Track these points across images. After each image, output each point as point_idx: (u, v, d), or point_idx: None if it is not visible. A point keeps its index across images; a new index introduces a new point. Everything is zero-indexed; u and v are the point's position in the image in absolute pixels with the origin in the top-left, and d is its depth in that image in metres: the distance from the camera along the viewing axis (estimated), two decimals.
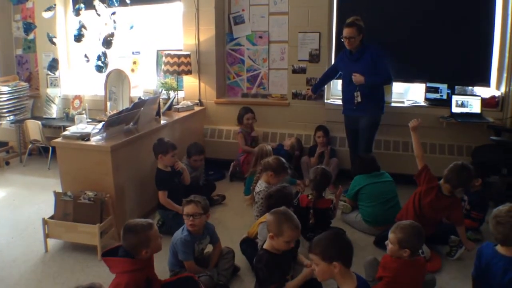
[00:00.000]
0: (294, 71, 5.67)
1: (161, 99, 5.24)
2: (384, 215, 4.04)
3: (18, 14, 6.72)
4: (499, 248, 2.70)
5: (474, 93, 5.30)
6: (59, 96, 6.53)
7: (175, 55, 5.48)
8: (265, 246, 3.00)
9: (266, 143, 5.32)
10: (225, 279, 3.33)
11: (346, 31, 4.64)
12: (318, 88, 5.40)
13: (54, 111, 6.48)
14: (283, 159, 4.28)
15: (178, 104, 5.57)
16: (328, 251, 2.37)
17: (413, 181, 3.88)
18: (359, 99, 4.76)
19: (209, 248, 3.55)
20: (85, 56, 5.83)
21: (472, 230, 4.02)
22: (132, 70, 6.27)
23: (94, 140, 4.08)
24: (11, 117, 6.23)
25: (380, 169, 4.38)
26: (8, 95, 6.14)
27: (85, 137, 4.09)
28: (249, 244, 3.65)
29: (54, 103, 6.49)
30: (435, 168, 3.85)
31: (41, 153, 6.64)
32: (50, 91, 6.57)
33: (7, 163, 6.37)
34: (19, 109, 6.34)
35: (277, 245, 2.91)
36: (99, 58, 5.76)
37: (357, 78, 4.67)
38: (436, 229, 3.80)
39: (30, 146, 6.37)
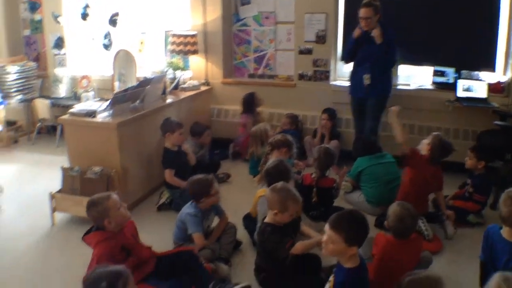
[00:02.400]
0: (301, 52, 5.66)
1: (167, 79, 5.27)
2: (387, 195, 4.05)
3: None
4: (504, 233, 2.66)
5: (480, 78, 5.26)
6: (67, 76, 6.57)
7: (181, 35, 5.51)
8: (266, 220, 3.05)
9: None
10: (227, 253, 3.39)
11: (362, 12, 4.61)
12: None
13: (62, 91, 6.53)
14: (287, 135, 4.33)
15: (184, 84, 5.60)
16: (353, 236, 2.36)
17: None
18: (368, 81, 4.75)
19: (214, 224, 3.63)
20: (91, 34, 5.85)
21: (474, 213, 4.03)
22: (140, 50, 6.28)
23: (100, 117, 4.14)
24: (20, 96, 6.28)
25: (382, 151, 4.39)
26: (16, 75, 6.18)
27: (92, 114, 4.15)
28: (251, 220, 3.72)
29: (62, 83, 6.53)
30: None
31: (50, 132, 6.71)
32: (58, 71, 6.60)
33: (16, 142, 6.44)
34: (27, 88, 6.38)
35: (280, 219, 2.96)
36: (105, 36, 5.79)
37: (376, 32, 4.62)
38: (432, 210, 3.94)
39: (38, 124, 6.43)
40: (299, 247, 2.95)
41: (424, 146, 3.82)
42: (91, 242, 2.82)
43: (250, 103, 5.61)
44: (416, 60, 5.46)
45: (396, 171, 4.23)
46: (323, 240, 2.42)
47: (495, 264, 2.65)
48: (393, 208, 2.90)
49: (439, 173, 3.86)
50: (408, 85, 5.49)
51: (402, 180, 3.96)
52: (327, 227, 2.40)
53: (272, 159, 4.13)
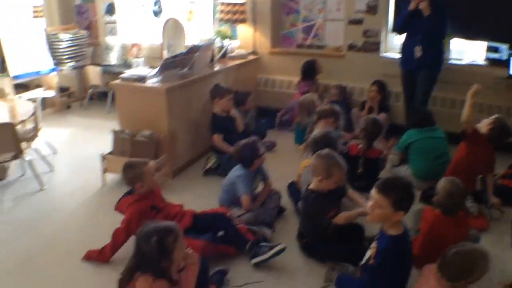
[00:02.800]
0: (351, 22, 5.55)
1: (215, 47, 5.28)
2: (433, 170, 3.95)
3: None
4: None
5: None
6: (118, 44, 6.70)
7: (230, 4, 5.50)
8: (310, 187, 3.05)
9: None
10: (270, 218, 3.43)
11: None
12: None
13: (113, 58, 6.67)
14: (335, 105, 4.31)
15: (232, 53, 5.61)
16: (402, 201, 2.34)
17: None
18: (419, 53, 4.64)
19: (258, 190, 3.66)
20: (141, 1, 5.93)
21: None
22: (188, 19, 6.31)
23: (150, 82, 4.21)
24: (72, 63, 6.44)
25: (435, 125, 4.28)
26: (68, 42, 6.33)
27: (142, 79, 4.21)
28: (295, 188, 3.75)
29: (113, 51, 6.67)
30: None
31: (101, 98, 6.89)
32: (109, 39, 6.74)
33: (69, 107, 6.67)
34: (79, 55, 6.53)
35: (325, 186, 2.98)
36: (155, 3, 5.85)
37: (424, 4, 4.49)
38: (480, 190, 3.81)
39: (90, 91, 6.62)
40: (342, 217, 2.95)
41: (484, 125, 3.68)
42: (122, 207, 3.08)
43: (310, 71, 5.55)
44: (469, 34, 5.24)
45: (445, 147, 4.12)
46: (368, 205, 2.40)
47: None
48: (443, 184, 2.86)
49: (493, 155, 3.73)
50: (461, 60, 5.32)
51: (454, 156, 3.84)
52: (374, 192, 2.38)
53: (318, 129, 4.12)
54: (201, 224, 3.09)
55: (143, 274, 2.21)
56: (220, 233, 3.05)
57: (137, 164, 3.06)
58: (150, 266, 2.20)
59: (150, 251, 2.16)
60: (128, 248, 2.94)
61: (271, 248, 2.95)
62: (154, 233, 2.18)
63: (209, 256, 2.82)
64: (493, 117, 3.72)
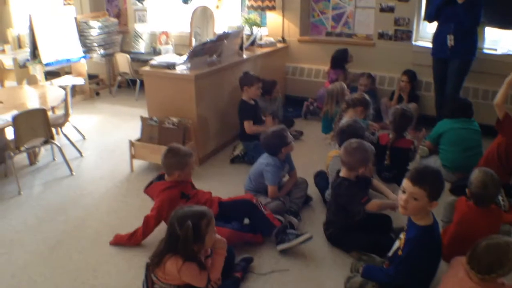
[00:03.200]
0: (382, 10, 5.44)
1: (244, 35, 5.26)
2: (464, 162, 3.88)
3: None
4: None
5: None
6: (147, 32, 6.74)
7: None
8: (342, 175, 3.03)
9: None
10: (297, 207, 3.42)
11: None
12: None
13: (142, 46, 6.71)
14: (365, 94, 4.25)
15: (261, 40, 5.59)
16: (437, 190, 2.29)
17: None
18: (452, 42, 4.54)
19: (285, 178, 3.65)
20: None
21: None
22: (217, 7, 6.30)
23: (179, 69, 4.22)
24: (101, 51, 6.51)
25: (472, 117, 4.15)
26: (98, 30, 6.39)
27: (171, 66, 4.23)
28: (322, 177, 3.71)
29: (142, 39, 6.71)
30: None
31: (129, 85, 6.98)
32: (138, 26, 6.77)
33: (98, 94, 6.75)
34: (108, 43, 6.59)
35: (355, 173, 2.98)
36: None
37: None
38: None
39: (119, 78, 6.68)
40: (375, 204, 2.91)
41: None
42: (154, 192, 3.07)
43: (341, 59, 5.47)
44: (504, 23, 5.07)
45: (479, 139, 4.01)
46: (402, 199, 2.32)
47: None
48: (476, 174, 2.80)
49: None
50: (495, 49, 5.17)
51: (489, 147, 3.74)
52: (407, 184, 2.30)
53: (347, 118, 4.07)
54: (228, 211, 3.09)
55: (174, 255, 2.24)
56: (246, 221, 3.07)
57: (183, 153, 3.04)
58: (182, 249, 2.22)
59: (184, 234, 2.19)
60: (155, 234, 3.00)
61: (298, 236, 2.95)
62: (189, 216, 2.22)
63: (235, 244, 2.83)
64: None
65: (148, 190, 3.14)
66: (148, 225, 3.01)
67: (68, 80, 6.08)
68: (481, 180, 2.74)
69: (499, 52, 5.11)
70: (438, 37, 4.75)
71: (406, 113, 3.90)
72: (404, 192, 2.32)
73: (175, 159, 3.01)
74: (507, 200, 3.49)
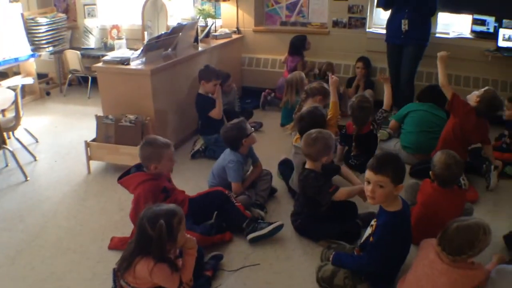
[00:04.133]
0: None
1: (198, 26, 5.17)
2: (424, 144, 3.98)
3: None
4: None
5: None
6: (97, 27, 6.52)
7: None
8: (308, 167, 3.01)
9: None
10: (263, 200, 3.40)
11: None
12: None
13: (92, 42, 6.50)
14: (323, 82, 4.24)
15: (215, 32, 5.51)
16: (399, 174, 2.31)
17: None
18: (406, 27, 4.61)
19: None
20: None
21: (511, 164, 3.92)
22: None
23: (133, 64, 4.09)
24: (50, 48, 6.25)
25: (441, 106, 4.18)
26: (46, 27, 6.11)
27: (125, 61, 4.10)
28: (287, 166, 3.69)
29: (92, 34, 6.49)
30: None
31: (81, 83, 6.74)
32: (88, 21, 6.55)
33: (48, 94, 6.48)
34: (57, 40, 6.32)
35: (320, 163, 2.97)
36: None
37: None
38: (471, 160, 3.86)
39: (69, 76, 6.45)
40: (343, 192, 2.91)
41: (473, 97, 3.71)
42: (130, 183, 2.87)
43: (299, 46, 5.46)
44: (456, 7, 5.22)
45: (441, 125, 4.03)
46: (369, 190, 2.33)
47: None
48: (439, 156, 2.87)
49: (484, 126, 3.72)
50: (447, 33, 5.31)
51: (445, 127, 3.85)
52: (370, 174, 2.32)
53: (304, 108, 4.06)
54: (199, 206, 3.03)
55: (144, 257, 2.15)
56: (211, 222, 3.03)
57: (159, 145, 2.84)
58: (155, 249, 2.13)
59: (158, 233, 2.10)
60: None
61: (269, 224, 2.96)
62: (160, 215, 2.13)
63: None
64: (483, 89, 3.73)
65: (123, 180, 2.91)
66: (134, 222, 2.84)
67: (16, 81, 5.79)
68: (444, 161, 2.81)
69: (451, 36, 5.25)
70: (392, 23, 4.82)
71: (363, 105, 3.88)
72: (369, 182, 2.33)
73: (151, 150, 2.81)
74: (467, 179, 3.60)
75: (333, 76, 3.81)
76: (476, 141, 3.81)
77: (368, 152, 3.84)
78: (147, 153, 2.81)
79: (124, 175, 2.92)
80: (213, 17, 5.65)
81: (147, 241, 2.13)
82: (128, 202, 3.38)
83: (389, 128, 4.43)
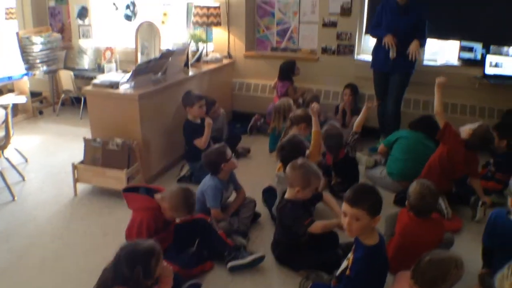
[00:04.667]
0: (325, 25, 5.55)
1: (190, 51, 5.24)
2: (410, 171, 3.95)
3: None
4: None
5: (509, 53, 5.10)
6: (91, 48, 6.60)
7: (204, 7, 5.46)
8: (286, 197, 3.03)
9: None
10: (245, 227, 3.41)
11: None
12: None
13: (86, 62, 6.56)
14: (308, 110, 4.28)
15: (207, 56, 5.58)
16: (376, 206, 2.33)
17: None
18: (394, 54, 4.65)
19: (232, 197, 3.65)
20: (114, 4, 5.84)
21: (496, 193, 3.96)
22: (163, 22, 6.25)
23: (122, 88, 4.14)
24: (44, 68, 6.32)
25: (432, 136, 4.18)
26: (41, 46, 6.20)
27: (114, 85, 4.15)
28: (271, 193, 3.72)
29: (86, 54, 6.56)
30: None
31: (74, 103, 6.79)
32: (82, 42, 6.63)
33: (41, 113, 6.53)
34: (52, 59, 6.41)
35: (302, 196, 2.95)
36: (127, 7, 5.77)
37: (413, 47, 4.57)
38: (457, 190, 3.86)
39: (62, 96, 6.50)
40: (318, 226, 2.90)
41: (466, 130, 3.72)
42: (135, 202, 2.95)
43: (289, 70, 5.51)
44: (443, 34, 5.31)
45: (429, 155, 4.03)
46: (346, 222, 2.34)
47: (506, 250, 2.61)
48: (414, 186, 2.91)
49: (473, 160, 3.73)
50: (435, 60, 5.38)
51: (432, 155, 3.86)
52: (346, 206, 2.33)
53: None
54: (182, 232, 3.04)
55: (121, 286, 2.17)
56: (193, 250, 3.05)
57: (191, 204, 2.97)
58: (129, 284, 2.16)
59: (134, 277, 2.13)
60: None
61: (251, 254, 2.98)
62: (138, 257, 2.16)
63: None
64: (477, 124, 3.74)
65: (128, 195, 2.97)
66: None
67: (9, 99, 5.85)
68: (419, 191, 2.85)
69: (438, 63, 5.32)
70: (378, 51, 4.85)
71: (331, 133, 3.96)
72: (345, 215, 2.34)
73: (183, 203, 2.91)
74: (450, 208, 3.64)
75: (314, 104, 3.84)
76: (461, 173, 3.81)
77: (351, 177, 3.90)
78: (179, 203, 2.92)
79: (131, 189, 3.00)
80: (205, 41, 5.73)
81: (123, 277, 2.15)
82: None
83: (378, 152, 4.50)
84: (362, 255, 2.37)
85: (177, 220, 3.08)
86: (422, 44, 4.72)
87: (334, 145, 3.93)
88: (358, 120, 4.06)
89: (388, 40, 4.60)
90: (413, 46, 4.56)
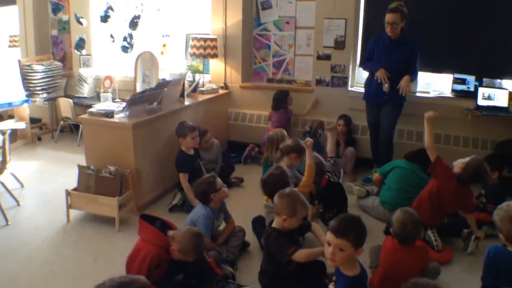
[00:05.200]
0: (319, 58, 5.66)
1: (186, 81, 5.34)
2: (403, 201, 3.87)
3: None
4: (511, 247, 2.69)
5: (502, 86, 5.17)
6: (91, 76, 6.73)
7: (201, 39, 5.59)
8: (273, 225, 3.05)
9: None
10: (234, 256, 3.43)
11: (389, 17, 4.59)
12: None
13: (86, 91, 6.69)
14: (299, 140, 4.32)
15: (203, 87, 5.68)
16: (360, 238, 2.35)
17: None
18: (388, 88, 4.72)
19: (222, 226, 3.69)
20: (111, 36, 5.98)
21: (488, 224, 3.95)
22: (162, 53, 6.38)
23: (117, 118, 4.23)
24: (45, 95, 6.44)
25: (425, 170, 4.18)
26: (42, 74, 6.34)
27: (109, 114, 4.24)
28: (260, 223, 3.75)
29: (86, 83, 6.69)
30: None
31: (72, 130, 6.90)
32: (83, 71, 6.76)
33: (40, 139, 6.63)
34: (52, 87, 6.53)
35: (289, 225, 2.96)
36: (125, 39, 5.91)
37: (404, 83, 4.67)
38: (448, 221, 3.86)
39: (61, 123, 6.60)
40: (302, 255, 2.90)
41: (459, 164, 3.73)
42: (146, 234, 2.95)
43: (281, 100, 5.58)
44: (436, 67, 5.40)
45: (423, 186, 4.04)
46: (329, 252, 2.35)
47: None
48: (397, 214, 2.96)
49: (467, 194, 3.73)
50: (428, 92, 5.45)
51: (423, 190, 3.87)
52: (331, 237, 2.34)
53: (283, 165, 4.15)
54: (174, 261, 3.04)
55: None
56: (179, 278, 3.05)
57: (201, 248, 2.97)
58: None
59: None
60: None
61: (239, 286, 2.99)
62: None
63: None
64: (469, 157, 3.73)
65: (143, 224, 2.98)
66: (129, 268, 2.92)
67: (8, 125, 5.95)
68: (401, 220, 2.89)
69: (431, 95, 5.39)
70: (371, 83, 4.94)
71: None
72: (329, 245, 2.36)
73: (193, 248, 2.91)
74: (440, 240, 3.66)
75: (309, 139, 3.86)
76: (451, 209, 3.81)
77: (338, 202, 3.94)
78: (189, 244, 2.90)
79: (149, 218, 3.03)
80: (201, 72, 5.84)
81: None
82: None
83: (373, 181, 4.53)
84: (343, 286, 2.39)
85: None
86: (413, 79, 4.83)
87: (315, 173, 3.95)
88: (328, 146, 4.12)
89: (380, 74, 4.70)
90: (404, 82, 4.66)
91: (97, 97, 6.45)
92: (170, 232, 2.98)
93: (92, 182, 4.05)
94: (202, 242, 2.97)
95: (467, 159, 3.71)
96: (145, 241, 2.94)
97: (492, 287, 2.74)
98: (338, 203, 3.95)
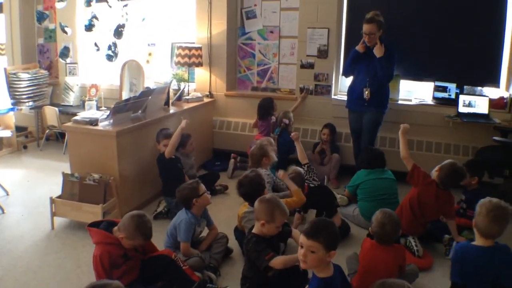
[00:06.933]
0: (303, 66, 5.74)
1: (172, 90, 5.38)
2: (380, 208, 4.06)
3: (40, 5, 6.99)
4: (480, 242, 2.76)
5: (483, 93, 5.27)
6: (77, 85, 6.76)
7: (186, 47, 5.64)
8: (253, 231, 3.09)
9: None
10: (216, 262, 3.47)
11: (366, 27, 4.66)
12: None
13: (71, 99, 6.71)
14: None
15: (188, 95, 5.73)
16: (332, 241, 2.39)
17: None
18: (369, 95, 4.79)
19: (205, 232, 3.71)
20: (95, 45, 6.01)
21: (468, 229, 4.00)
22: (147, 62, 6.43)
23: (101, 125, 4.26)
24: (30, 103, 6.46)
25: (385, 166, 4.41)
26: (28, 82, 6.36)
27: (94, 122, 4.27)
28: (240, 232, 3.78)
29: (72, 91, 6.72)
30: None
31: (58, 139, 6.92)
32: (69, 79, 6.78)
33: (25, 147, 6.63)
34: (38, 95, 6.56)
35: (267, 231, 2.98)
36: (109, 47, 5.94)
37: (378, 49, 4.69)
38: (429, 227, 3.90)
39: (47, 131, 6.61)
40: (279, 261, 2.89)
41: (435, 169, 3.81)
42: (94, 237, 3.00)
43: (269, 108, 5.59)
44: (418, 75, 5.49)
45: (394, 188, 4.25)
46: (301, 254, 2.40)
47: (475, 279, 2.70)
48: (376, 215, 3.03)
49: (447, 200, 3.78)
50: (409, 100, 5.53)
51: (403, 199, 3.94)
52: (303, 239, 2.40)
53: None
54: (147, 268, 3.09)
55: None
56: (159, 285, 3.08)
57: (148, 230, 3.02)
58: None
59: None
60: None
61: None
62: None
63: None
64: (444, 162, 3.81)
65: (92, 230, 3.01)
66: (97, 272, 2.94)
67: None
68: (380, 220, 2.96)
69: (413, 102, 5.47)
70: (353, 90, 5.01)
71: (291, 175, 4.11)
72: (302, 247, 2.41)
73: (137, 230, 2.94)
74: (421, 246, 3.71)
75: (280, 171, 3.95)
76: (433, 216, 3.85)
77: (325, 204, 3.98)
78: (132, 227, 2.94)
79: (95, 224, 3.05)
80: (186, 81, 5.89)
81: None
82: (86, 260, 3.55)
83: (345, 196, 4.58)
84: (314, 287, 2.44)
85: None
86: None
87: (297, 184, 4.00)
88: (298, 155, 4.11)
89: (359, 47, 4.80)
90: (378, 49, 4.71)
91: (82, 106, 6.45)
92: (115, 227, 3.02)
93: (76, 190, 4.07)
94: (146, 223, 2.98)
95: (441, 164, 3.80)
96: (97, 244, 2.98)
97: (460, 284, 2.78)
98: (325, 205, 3.98)
